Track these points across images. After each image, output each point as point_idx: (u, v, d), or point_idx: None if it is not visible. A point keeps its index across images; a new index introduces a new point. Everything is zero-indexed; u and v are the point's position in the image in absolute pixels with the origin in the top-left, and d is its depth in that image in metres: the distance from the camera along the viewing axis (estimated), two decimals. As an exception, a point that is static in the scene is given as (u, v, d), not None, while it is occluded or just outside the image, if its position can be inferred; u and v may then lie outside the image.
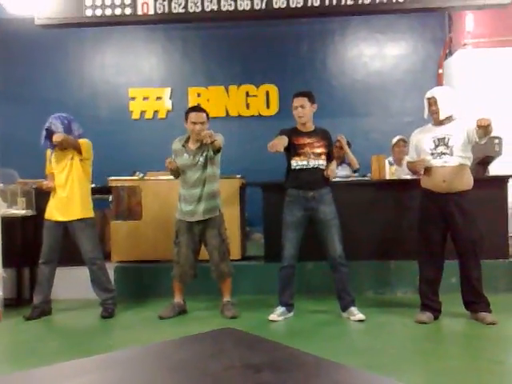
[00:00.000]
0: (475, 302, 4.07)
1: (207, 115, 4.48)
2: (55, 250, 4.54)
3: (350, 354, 3.39)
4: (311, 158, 4.26)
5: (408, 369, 3.15)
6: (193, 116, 4.38)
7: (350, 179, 5.49)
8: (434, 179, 4.04)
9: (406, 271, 4.98)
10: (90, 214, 4.60)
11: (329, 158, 4.36)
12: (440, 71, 7.86)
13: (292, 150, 4.30)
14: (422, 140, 4.14)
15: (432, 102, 4.08)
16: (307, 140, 4.28)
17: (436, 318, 4.12)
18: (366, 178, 5.54)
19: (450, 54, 7.78)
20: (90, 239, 4.53)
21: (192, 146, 4.42)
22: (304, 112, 4.29)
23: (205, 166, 4.39)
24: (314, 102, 4.35)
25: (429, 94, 4.14)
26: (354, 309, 4.23)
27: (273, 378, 1.26)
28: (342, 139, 6.09)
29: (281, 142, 4.09)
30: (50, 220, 4.53)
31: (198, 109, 4.53)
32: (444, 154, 4.00)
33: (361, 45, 8.13)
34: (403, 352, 3.49)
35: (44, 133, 4.50)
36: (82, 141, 4.55)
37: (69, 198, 4.50)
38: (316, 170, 4.26)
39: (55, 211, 4.52)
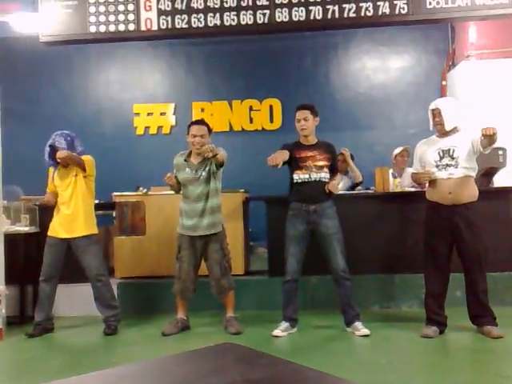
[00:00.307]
0: (481, 315, 4.01)
1: (209, 129, 4.47)
2: (56, 267, 4.52)
3: (355, 369, 3.34)
4: (313, 171, 4.24)
5: (414, 384, 3.11)
6: (194, 129, 4.39)
7: (353, 192, 5.47)
8: (440, 192, 4.01)
9: (411, 285, 4.93)
10: (94, 230, 4.59)
11: (332, 171, 4.34)
12: (444, 83, 7.87)
13: (294, 164, 4.29)
14: (427, 152, 4.12)
15: (436, 113, 4.07)
16: (309, 153, 4.27)
17: (442, 332, 4.07)
18: (370, 191, 5.52)
19: (454, 65, 7.79)
20: (94, 256, 4.52)
21: (194, 160, 4.41)
22: (307, 125, 4.29)
23: (207, 181, 4.37)
24: (316, 115, 4.36)
25: (433, 106, 4.13)
26: (358, 323, 4.19)
27: (273, 393, 1.24)
28: (346, 152, 6.08)
29: (280, 156, 4.08)
30: (53, 237, 4.52)
31: (199, 122, 4.54)
32: (449, 165, 3.98)
33: (364, 58, 8.17)
34: (409, 367, 3.44)
35: (48, 149, 4.51)
36: (85, 157, 4.56)
37: (73, 215, 4.49)
38: (318, 183, 4.24)
39: (59, 228, 4.51)
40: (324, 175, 4.27)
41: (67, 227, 4.49)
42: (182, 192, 4.49)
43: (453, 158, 3.97)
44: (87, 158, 4.57)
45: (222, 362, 1.50)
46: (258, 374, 1.38)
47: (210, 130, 4.46)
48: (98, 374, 1.53)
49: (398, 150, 6.04)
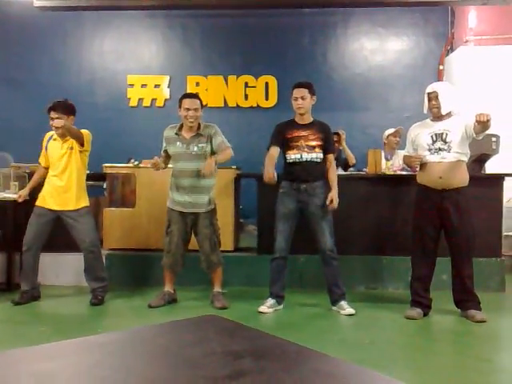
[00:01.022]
0: (466, 299, 4.06)
1: (201, 103, 4.41)
2: (41, 238, 4.48)
3: (339, 347, 3.37)
4: (305, 151, 4.22)
5: (395, 364, 3.14)
6: (186, 102, 4.31)
7: (345, 173, 5.46)
8: (431, 175, 4.02)
9: (398, 267, 4.97)
10: (86, 202, 4.56)
11: (326, 151, 4.31)
12: (441, 67, 7.83)
13: (286, 144, 4.26)
14: (420, 135, 4.11)
15: (433, 96, 4.04)
16: (302, 132, 4.24)
17: (426, 314, 4.12)
18: (362, 173, 5.52)
19: (452, 50, 7.74)
20: (87, 227, 4.49)
21: (186, 134, 4.36)
22: (304, 103, 4.24)
23: (200, 157, 4.28)
24: (314, 94, 4.31)
25: (430, 89, 4.10)
26: (343, 303, 4.22)
27: (252, 365, 1.24)
28: (342, 134, 6.06)
29: (271, 166, 4.14)
30: (41, 207, 4.48)
31: (191, 95, 4.46)
32: (441, 149, 3.97)
33: (362, 38, 8.09)
34: (391, 347, 3.48)
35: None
36: (84, 131, 4.48)
37: (65, 187, 4.45)
38: (310, 163, 4.22)
39: (50, 200, 4.46)
40: (316, 155, 4.24)
41: (58, 200, 4.45)
42: (171, 165, 4.45)
43: (445, 142, 3.97)
44: (86, 133, 4.50)
45: (203, 334, 1.50)
46: (238, 345, 1.38)
47: (202, 104, 4.40)
48: (81, 340, 1.52)
49: (390, 131, 6.03)
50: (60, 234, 4.61)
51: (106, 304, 4.52)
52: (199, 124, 4.35)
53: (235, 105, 8.12)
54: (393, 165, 5.46)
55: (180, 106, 4.35)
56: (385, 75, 8.02)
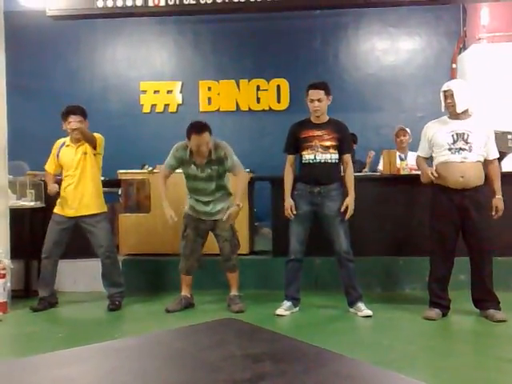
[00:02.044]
0: (485, 299, 4.01)
1: (210, 132, 4.25)
2: (60, 245, 4.53)
3: (357, 349, 3.34)
4: (319, 152, 4.18)
5: (415, 365, 3.11)
6: (195, 139, 4.18)
7: (360, 174, 5.42)
8: (452, 174, 3.95)
9: (415, 268, 4.92)
10: (103, 208, 4.59)
11: (342, 152, 4.23)
12: (454, 66, 7.76)
13: (300, 144, 4.24)
14: (438, 133, 4.05)
15: (448, 94, 4.01)
16: (316, 132, 4.20)
17: (444, 314, 4.07)
18: (376, 173, 5.48)
19: (464, 48, 7.67)
20: (104, 233, 4.51)
21: (198, 160, 4.30)
22: (321, 105, 4.18)
23: (213, 178, 4.32)
24: (330, 94, 4.25)
25: (445, 87, 4.07)
26: (361, 304, 4.19)
27: (272, 368, 1.23)
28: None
29: (288, 195, 4.23)
30: (60, 215, 4.52)
31: (198, 130, 4.19)
32: (463, 149, 3.92)
33: (374, 39, 8.06)
34: (410, 348, 3.44)
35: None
36: (97, 135, 4.51)
37: (82, 193, 4.47)
38: (324, 164, 4.18)
39: (67, 207, 4.49)
40: (330, 156, 4.19)
41: (76, 206, 4.48)
42: (186, 181, 4.44)
43: (467, 143, 3.91)
44: (98, 136, 4.53)
45: (221, 337, 1.50)
46: (257, 348, 1.37)
47: (211, 133, 4.26)
48: (98, 346, 1.53)
49: (395, 130, 6.03)
50: (76, 240, 4.65)
51: (123, 309, 4.54)
52: (210, 149, 4.27)
53: (247, 108, 8.12)
54: (407, 164, 5.42)
55: (189, 138, 4.23)
56: (397, 75, 7.97)
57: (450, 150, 3.96)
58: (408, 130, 5.94)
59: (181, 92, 8.21)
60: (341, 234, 4.15)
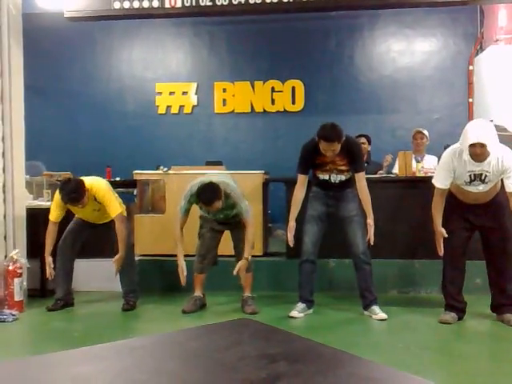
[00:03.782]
0: (503, 303, 3.96)
1: (219, 198, 4.16)
2: (77, 246, 4.59)
3: (372, 352, 3.32)
4: (333, 173, 4.15)
5: (430, 369, 3.08)
6: (205, 207, 4.29)
7: (375, 176, 5.39)
8: (466, 198, 3.93)
9: (431, 271, 4.86)
10: (123, 213, 4.62)
11: (355, 171, 4.15)
12: (470, 68, 7.70)
13: (313, 166, 4.21)
14: (458, 170, 3.84)
15: (478, 145, 3.62)
16: (330, 159, 4.10)
17: (460, 318, 4.03)
18: (392, 175, 5.45)
19: (482, 50, 7.60)
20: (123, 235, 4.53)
21: (211, 211, 4.35)
22: (335, 152, 4.04)
23: (227, 212, 4.37)
24: (342, 138, 4.03)
25: (474, 139, 3.58)
26: (375, 307, 4.16)
27: (288, 368, 1.23)
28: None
29: (291, 234, 4.17)
30: (80, 218, 4.58)
31: (207, 202, 4.17)
32: (479, 184, 3.85)
33: (389, 40, 8.01)
34: (426, 352, 3.42)
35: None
36: (114, 211, 4.42)
37: (100, 219, 4.55)
38: (339, 182, 4.16)
39: (86, 220, 4.58)
40: (345, 177, 4.17)
41: (95, 220, 4.59)
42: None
43: (483, 182, 3.82)
44: (116, 214, 4.42)
45: (236, 337, 1.50)
46: (273, 349, 1.37)
47: (220, 198, 4.18)
48: (113, 344, 1.54)
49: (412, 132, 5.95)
50: (92, 240, 4.68)
51: (137, 309, 4.55)
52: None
53: (262, 110, 8.12)
54: (423, 167, 5.38)
55: (198, 206, 4.34)
56: (413, 77, 7.92)
57: (465, 184, 3.87)
58: (426, 132, 5.88)
59: (196, 93, 8.24)
60: (358, 235, 4.13)
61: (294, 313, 4.19)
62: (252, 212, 4.43)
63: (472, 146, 3.60)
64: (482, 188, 3.85)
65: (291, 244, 4.20)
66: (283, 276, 5.08)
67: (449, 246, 4.00)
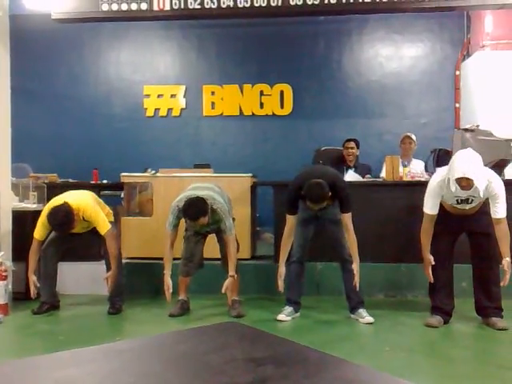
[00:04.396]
0: (488, 306, 3.99)
1: (205, 214, 4.19)
2: (60, 248, 4.55)
3: (358, 355, 3.33)
4: (321, 211, 4.15)
5: (417, 372, 3.10)
6: (190, 223, 4.33)
7: (362, 180, 5.41)
8: (453, 210, 3.97)
9: (418, 274, 4.87)
10: (110, 218, 4.60)
11: (341, 210, 4.10)
12: (457, 73, 7.77)
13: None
14: (445, 196, 3.91)
15: (464, 179, 3.63)
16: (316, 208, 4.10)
17: (446, 321, 4.05)
18: (379, 179, 5.48)
19: (468, 55, 7.68)
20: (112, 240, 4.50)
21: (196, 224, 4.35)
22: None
23: (213, 226, 4.39)
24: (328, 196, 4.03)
25: (460, 174, 3.61)
26: (362, 311, 4.18)
27: (275, 371, 1.23)
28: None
29: (282, 266, 4.17)
30: None
31: (193, 218, 4.21)
32: (465, 205, 3.90)
33: (377, 45, 8.06)
34: (412, 355, 3.43)
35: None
36: (105, 230, 4.39)
37: (88, 226, 4.50)
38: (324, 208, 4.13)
39: None
40: (329, 206, 4.15)
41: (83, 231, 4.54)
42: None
43: (470, 203, 3.87)
44: (105, 231, 4.38)
45: (223, 340, 1.50)
46: (260, 352, 1.37)
47: (206, 214, 4.21)
48: (99, 347, 1.53)
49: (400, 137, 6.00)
50: (78, 243, 4.65)
51: (123, 313, 4.53)
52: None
53: (250, 113, 8.12)
54: (410, 171, 5.41)
55: (185, 221, 4.37)
56: (401, 81, 7.98)
57: (452, 204, 3.94)
58: (414, 137, 5.93)
59: (184, 96, 8.22)
60: (344, 237, 4.14)
61: (281, 316, 4.20)
62: (235, 231, 4.40)
63: (458, 179, 3.63)
64: (468, 207, 3.90)
65: (281, 290, 4.16)
66: (270, 279, 5.05)
67: (436, 250, 4.03)
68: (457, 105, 7.75)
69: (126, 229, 5.42)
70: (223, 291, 4.20)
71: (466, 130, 4.98)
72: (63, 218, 4.18)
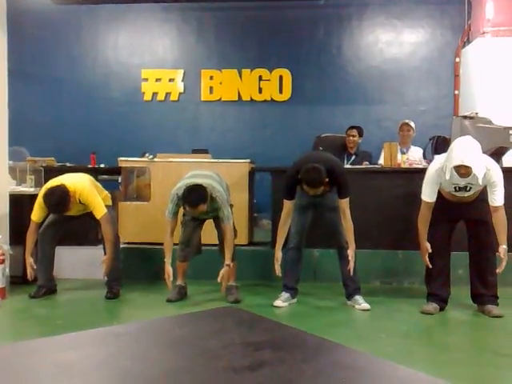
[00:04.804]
0: (484, 294, 4.01)
1: (205, 201, 4.15)
2: (57, 233, 4.55)
3: (354, 341, 3.35)
4: (318, 197, 4.13)
5: (411, 359, 3.11)
6: (189, 210, 4.23)
7: (360, 167, 5.41)
8: (451, 197, 3.97)
9: (414, 262, 4.90)
10: (108, 202, 4.58)
11: (339, 195, 4.07)
12: (457, 60, 7.74)
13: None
14: (443, 184, 3.90)
15: (463, 166, 3.60)
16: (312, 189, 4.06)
17: (442, 309, 4.08)
18: (377, 166, 5.47)
19: (468, 42, 7.64)
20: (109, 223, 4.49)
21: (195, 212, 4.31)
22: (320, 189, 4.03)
23: (211, 214, 4.37)
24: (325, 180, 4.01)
25: (459, 162, 3.58)
26: (358, 297, 4.19)
27: (272, 355, 1.23)
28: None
29: (279, 250, 4.17)
30: None
31: (193, 205, 4.14)
32: (464, 192, 3.89)
33: (377, 31, 8.02)
34: (407, 342, 3.45)
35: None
36: (101, 214, 4.35)
37: (84, 209, 4.47)
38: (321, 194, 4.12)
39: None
40: (327, 192, 4.13)
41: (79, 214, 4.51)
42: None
43: (468, 191, 3.86)
44: (101, 215, 4.34)
45: (221, 325, 1.50)
46: (257, 337, 1.37)
47: (206, 201, 4.16)
48: (97, 331, 1.53)
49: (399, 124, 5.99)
50: (75, 227, 4.64)
51: (121, 297, 4.54)
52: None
53: (249, 98, 8.10)
54: (408, 158, 5.40)
55: (184, 208, 4.28)
56: (400, 68, 7.95)
57: (451, 191, 3.93)
58: (413, 124, 5.91)
59: (183, 80, 8.18)
60: (341, 224, 4.14)
61: (277, 302, 4.21)
62: (233, 220, 4.38)
63: (457, 166, 3.61)
64: (467, 195, 3.90)
65: (279, 274, 4.15)
66: (267, 265, 5.07)
67: (433, 238, 4.03)
68: (456, 92, 7.73)
69: (124, 214, 5.42)
70: (219, 280, 4.20)
71: (465, 117, 4.97)
72: (59, 198, 4.17)
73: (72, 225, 4.61)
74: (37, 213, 4.36)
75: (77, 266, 5.17)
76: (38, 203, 4.33)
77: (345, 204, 4.08)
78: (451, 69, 7.75)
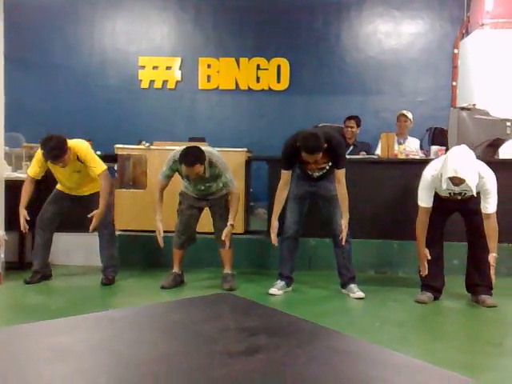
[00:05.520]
0: (479, 284, 4.03)
1: (202, 161, 4.10)
2: (57, 218, 4.54)
3: (349, 329, 3.36)
4: (316, 170, 4.15)
5: (405, 347, 3.13)
6: (185, 169, 4.12)
7: (357, 157, 5.41)
8: (446, 196, 3.97)
9: (409, 252, 4.91)
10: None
11: (335, 167, 4.08)
12: (455, 51, 7.72)
13: (297, 162, 4.15)
14: (438, 189, 3.92)
15: (456, 178, 3.62)
16: (313, 159, 4.03)
17: (436, 298, 4.10)
18: (374, 156, 5.48)
19: (467, 33, 7.62)
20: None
21: (192, 178, 4.26)
22: (318, 161, 4.04)
23: (207, 187, 4.36)
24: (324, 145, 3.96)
25: (453, 173, 3.59)
26: (353, 286, 4.21)
27: (267, 341, 1.24)
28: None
29: (274, 234, 4.10)
30: (61, 191, 4.52)
31: (188, 163, 4.05)
32: (458, 197, 3.92)
33: (376, 21, 7.99)
34: (401, 330, 3.47)
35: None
36: (98, 170, 4.32)
37: (80, 185, 4.48)
38: (320, 175, 4.17)
39: (67, 190, 4.51)
40: (326, 170, 4.16)
41: (75, 192, 4.52)
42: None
43: (463, 196, 3.88)
44: (101, 171, 4.33)
45: (216, 311, 1.50)
46: (252, 322, 1.38)
47: (203, 161, 4.11)
48: (92, 315, 1.53)
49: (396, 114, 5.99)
50: (72, 213, 4.63)
51: (116, 284, 4.55)
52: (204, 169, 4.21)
53: (247, 87, 8.07)
54: (405, 149, 5.41)
55: (179, 171, 4.25)
56: (399, 58, 7.93)
57: (445, 195, 3.95)
58: (410, 115, 5.91)
59: (180, 68, 8.14)
60: (337, 213, 4.14)
61: (272, 290, 4.23)
62: (237, 184, 4.38)
63: (451, 177, 3.62)
64: (460, 198, 3.92)
65: (275, 243, 4.14)
66: (263, 254, 5.11)
67: (427, 228, 4.04)
68: (454, 83, 7.73)
69: (120, 201, 5.40)
70: (223, 238, 4.22)
71: (463, 108, 4.97)
72: (56, 144, 4.13)
73: (68, 211, 4.60)
74: (33, 167, 4.38)
75: (72, 253, 5.17)
76: (36, 158, 4.36)
77: (341, 174, 4.08)
78: (449, 60, 7.74)
